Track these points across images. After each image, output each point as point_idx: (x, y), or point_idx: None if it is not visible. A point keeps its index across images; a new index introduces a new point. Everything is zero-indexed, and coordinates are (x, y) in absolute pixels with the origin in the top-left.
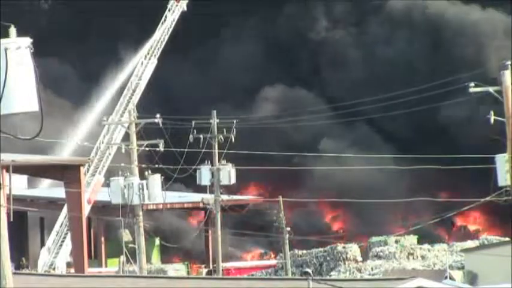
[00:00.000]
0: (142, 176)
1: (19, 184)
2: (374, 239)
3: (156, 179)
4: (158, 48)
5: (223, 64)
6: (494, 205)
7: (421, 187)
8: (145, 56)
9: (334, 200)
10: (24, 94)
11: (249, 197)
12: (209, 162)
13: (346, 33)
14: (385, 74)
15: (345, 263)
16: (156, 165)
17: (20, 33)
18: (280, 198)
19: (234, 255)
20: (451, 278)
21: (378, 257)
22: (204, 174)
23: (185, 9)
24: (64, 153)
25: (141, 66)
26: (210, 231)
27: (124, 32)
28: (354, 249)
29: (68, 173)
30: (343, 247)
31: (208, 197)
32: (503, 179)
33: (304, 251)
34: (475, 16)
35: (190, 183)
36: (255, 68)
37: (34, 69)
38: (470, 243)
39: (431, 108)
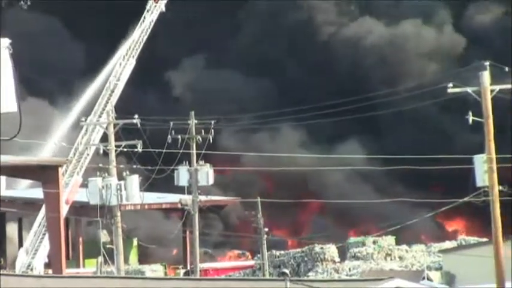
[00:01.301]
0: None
1: None
2: (352, 239)
3: (134, 180)
4: (136, 49)
5: None
6: (472, 206)
7: (399, 188)
8: (124, 57)
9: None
10: (3, 95)
11: (227, 198)
12: (187, 163)
13: None
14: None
15: (322, 264)
16: (134, 166)
17: None
18: (258, 199)
19: (212, 256)
20: (429, 279)
21: (355, 257)
22: (182, 175)
23: (164, 9)
24: (42, 154)
25: (119, 66)
26: (187, 232)
27: (102, 32)
28: (331, 250)
29: (46, 174)
30: (321, 248)
31: (186, 198)
32: (481, 180)
33: (282, 252)
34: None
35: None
36: None
37: (13, 69)
38: (448, 244)
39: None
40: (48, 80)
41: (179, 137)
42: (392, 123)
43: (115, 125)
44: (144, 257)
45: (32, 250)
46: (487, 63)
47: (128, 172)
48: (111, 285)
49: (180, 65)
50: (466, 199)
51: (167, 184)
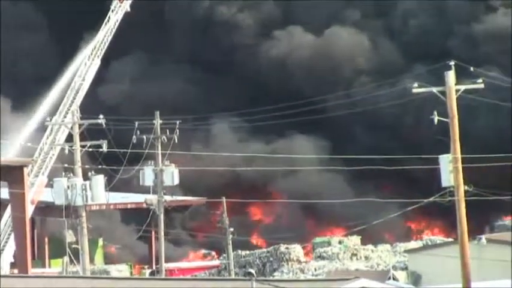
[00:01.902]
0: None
1: None
2: (317, 239)
3: (99, 180)
4: (101, 49)
5: None
6: (438, 206)
7: (365, 188)
8: (89, 57)
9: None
10: None
11: (192, 198)
12: (152, 163)
13: None
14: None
15: (288, 264)
16: (100, 166)
17: None
18: (224, 199)
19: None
20: (395, 279)
21: (321, 257)
22: (147, 175)
23: (129, 9)
24: (7, 154)
25: (84, 66)
26: (153, 232)
27: (67, 31)
28: (297, 250)
29: (11, 174)
30: (286, 248)
31: (151, 198)
32: (446, 180)
33: (248, 252)
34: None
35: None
36: None
37: None
38: (413, 244)
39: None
40: (11, 81)
41: (144, 137)
42: (351, 125)
43: (80, 125)
44: (110, 258)
45: None
46: (452, 62)
47: (93, 172)
48: (76, 285)
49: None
50: (431, 199)
51: (129, 184)
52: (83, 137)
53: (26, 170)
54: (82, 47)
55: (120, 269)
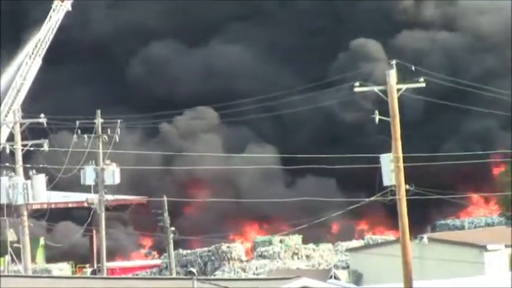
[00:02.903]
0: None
1: None
2: (259, 238)
3: (40, 179)
4: (43, 48)
5: None
6: (379, 205)
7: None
8: (30, 56)
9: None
10: None
11: (133, 197)
12: (93, 162)
13: None
14: None
15: (229, 263)
16: (41, 165)
17: None
18: (165, 198)
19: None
20: (336, 278)
21: (262, 256)
22: (88, 174)
23: (70, 9)
24: None
25: (25, 65)
26: (94, 231)
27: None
28: (238, 249)
29: None
30: (228, 247)
31: (92, 197)
32: (388, 179)
33: (189, 251)
34: None
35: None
36: None
37: None
38: (355, 243)
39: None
40: None
41: (85, 136)
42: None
43: (21, 124)
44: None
45: None
46: (394, 62)
47: (34, 171)
48: (18, 284)
49: None
50: (373, 198)
51: (70, 184)
52: (24, 136)
53: None
54: (23, 46)
55: (62, 268)
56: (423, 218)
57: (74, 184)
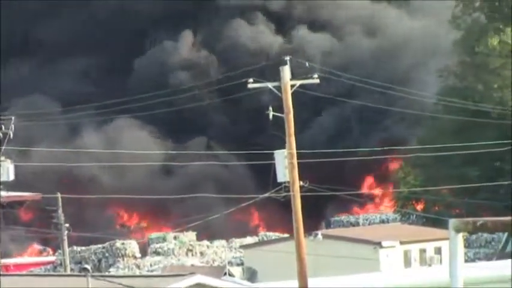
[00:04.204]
0: None
1: None
2: (153, 235)
3: None
4: None
5: None
6: (274, 201)
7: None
8: None
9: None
10: None
11: (27, 193)
12: None
13: None
14: None
15: (123, 259)
16: None
17: None
18: (59, 195)
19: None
20: (231, 274)
21: (156, 253)
22: None
23: None
24: None
25: None
26: None
27: None
28: (132, 246)
29: None
30: (122, 243)
31: None
32: (282, 175)
33: (83, 248)
34: None
35: None
36: None
37: None
38: (249, 240)
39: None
40: None
41: None
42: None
43: None
44: None
45: None
46: (288, 57)
47: None
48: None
49: None
50: (266, 194)
51: None
52: None
53: None
54: None
55: None
56: (318, 214)
57: None
